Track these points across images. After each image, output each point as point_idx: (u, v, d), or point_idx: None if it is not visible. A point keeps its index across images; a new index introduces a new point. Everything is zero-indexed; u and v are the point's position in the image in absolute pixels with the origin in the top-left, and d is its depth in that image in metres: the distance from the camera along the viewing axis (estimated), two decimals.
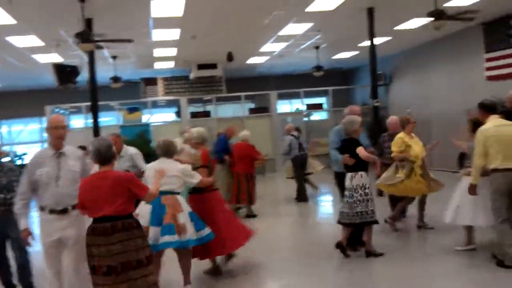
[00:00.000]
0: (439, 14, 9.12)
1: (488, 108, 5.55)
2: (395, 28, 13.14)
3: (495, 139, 5.28)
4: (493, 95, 11.77)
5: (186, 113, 18.34)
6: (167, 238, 4.87)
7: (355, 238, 6.37)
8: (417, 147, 6.98)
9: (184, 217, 5.03)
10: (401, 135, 7.07)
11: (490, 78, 12.97)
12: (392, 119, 7.96)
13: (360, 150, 6.01)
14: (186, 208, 5.15)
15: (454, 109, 13.22)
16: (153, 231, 4.88)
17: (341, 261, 6.15)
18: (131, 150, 6.62)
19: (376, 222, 6.13)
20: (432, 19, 9.27)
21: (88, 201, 4.00)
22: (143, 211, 4.92)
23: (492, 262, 5.48)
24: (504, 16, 12.17)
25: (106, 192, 3.90)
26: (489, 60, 12.98)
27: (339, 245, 6.14)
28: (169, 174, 4.94)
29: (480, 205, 5.72)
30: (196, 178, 5.28)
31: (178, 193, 5.18)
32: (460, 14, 9.44)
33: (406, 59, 17.32)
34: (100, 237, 3.86)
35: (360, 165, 6.06)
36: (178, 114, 19.23)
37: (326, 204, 11.35)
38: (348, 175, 6.08)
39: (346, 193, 6.09)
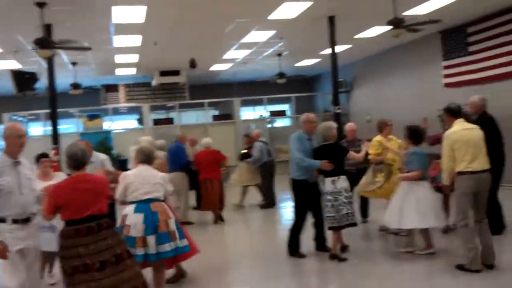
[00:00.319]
0: (398, 23, 9.33)
1: (453, 112, 5.69)
2: (356, 36, 13.38)
3: (461, 142, 5.40)
4: (451, 101, 12.25)
5: (149, 120, 18.16)
6: (167, 247, 4.83)
7: (320, 242, 6.50)
8: (393, 151, 7.00)
9: (173, 224, 4.99)
10: (378, 138, 7.13)
11: (448, 85, 13.35)
12: (349, 125, 8.05)
13: (352, 154, 6.48)
14: (172, 215, 5.10)
15: (413, 115, 13.49)
16: (151, 240, 4.77)
17: (307, 266, 6.20)
18: (101, 156, 6.78)
19: (357, 224, 6.43)
20: (391, 27, 9.48)
21: (69, 203, 4.11)
22: (133, 222, 4.81)
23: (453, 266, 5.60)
24: (461, 25, 12.55)
25: (90, 194, 4.13)
26: (446, 67, 13.36)
27: (333, 256, 6.27)
28: (154, 182, 4.94)
29: (423, 208, 5.98)
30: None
31: (163, 201, 5.10)
32: (419, 24, 9.69)
33: (367, 67, 17.66)
34: (87, 236, 4.02)
35: (341, 169, 6.31)
36: (140, 121, 19.00)
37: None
38: (329, 179, 6.26)
39: (329, 197, 6.23)
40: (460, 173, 5.41)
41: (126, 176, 5.01)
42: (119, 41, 11.96)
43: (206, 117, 18.91)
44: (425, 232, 6.26)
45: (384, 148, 6.97)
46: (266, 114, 19.55)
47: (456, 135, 5.47)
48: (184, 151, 9.85)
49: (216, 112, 20.46)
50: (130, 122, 20.19)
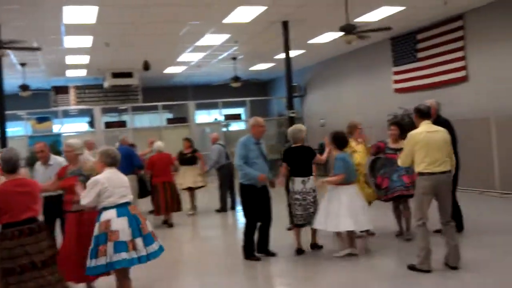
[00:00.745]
0: (350, 29, 9.52)
1: (422, 113, 5.72)
2: (309, 41, 13.57)
3: (423, 144, 5.47)
4: (400, 106, 12.61)
5: (100, 123, 17.76)
6: (155, 246, 4.78)
7: (263, 245, 6.58)
8: (360, 154, 7.07)
9: (149, 225, 4.93)
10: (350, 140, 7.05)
11: (398, 90, 13.73)
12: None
13: (318, 157, 6.73)
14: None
15: (365, 120, 13.84)
16: (139, 243, 4.66)
17: (256, 270, 6.21)
18: (59, 159, 6.59)
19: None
20: (343, 33, 9.66)
21: (8, 206, 4.25)
22: (121, 227, 4.63)
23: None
24: (410, 32, 12.94)
25: (28, 197, 4.38)
26: (396, 73, 13.74)
27: (299, 251, 6.64)
28: (126, 185, 4.89)
29: (345, 212, 6.20)
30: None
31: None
32: (371, 31, 9.91)
33: (320, 72, 17.94)
34: (31, 236, 4.28)
35: (310, 170, 6.58)
36: (91, 124, 18.57)
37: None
38: (299, 179, 6.49)
39: (298, 196, 6.46)
40: (420, 173, 5.52)
41: (98, 181, 4.76)
42: (70, 41, 11.67)
43: (160, 120, 18.69)
44: (349, 233, 6.43)
45: (352, 151, 6.99)
46: (221, 117, 19.51)
47: (419, 136, 5.54)
48: (136, 153, 9.77)
49: (171, 116, 20.27)
50: (81, 125, 19.70)
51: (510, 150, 10.17)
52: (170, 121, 18.92)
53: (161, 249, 4.88)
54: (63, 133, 17.43)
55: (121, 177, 4.94)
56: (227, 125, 19.81)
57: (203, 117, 21.05)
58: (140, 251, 4.62)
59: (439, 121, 6.55)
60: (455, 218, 5.92)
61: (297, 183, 6.49)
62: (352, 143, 7.11)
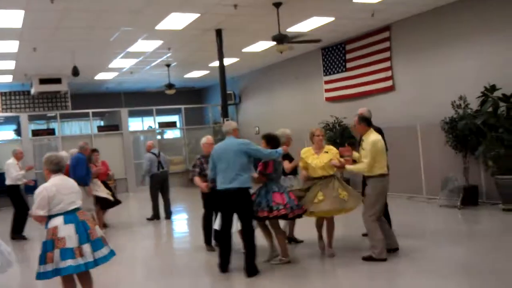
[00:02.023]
0: (281, 39, 9.69)
1: (369, 122, 6.30)
2: (243, 50, 13.68)
3: (382, 150, 6.15)
4: (331, 114, 12.96)
5: (27, 130, 17.00)
6: (104, 251, 4.82)
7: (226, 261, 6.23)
8: (319, 161, 6.48)
9: (100, 230, 5.00)
10: (305, 149, 6.74)
11: (328, 99, 14.11)
12: (207, 139, 7.57)
13: (285, 164, 6.74)
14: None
15: (297, 127, 14.12)
16: (87, 249, 4.69)
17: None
18: None
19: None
20: (275, 43, 9.83)
21: None
22: (67, 233, 4.65)
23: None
24: (340, 42, 13.35)
25: None
26: (327, 82, 14.11)
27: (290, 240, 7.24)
28: (75, 191, 4.88)
29: None
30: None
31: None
32: (302, 42, 10.15)
33: (254, 80, 18.13)
34: None
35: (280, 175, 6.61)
36: (17, 132, 17.75)
37: (180, 223, 11.29)
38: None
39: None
40: (381, 175, 6.13)
41: (46, 189, 4.72)
42: None
43: (90, 128, 18.15)
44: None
45: (305, 161, 6.61)
46: (155, 125, 19.22)
47: (380, 142, 6.17)
48: (87, 164, 9.15)
49: (101, 123, 19.75)
50: (7, 133, 18.80)
51: (434, 157, 10.68)
52: (101, 128, 18.41)
53: (112, 253, 4.91)
54: None
55: (69, 182, 4.91)
56: (162, 133, 19.55)
57: (136, 124, 20.67)
58: (87, 257, 4.65)
59: (373, 129, 6.85)
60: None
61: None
62: (311, 151, 6.65)
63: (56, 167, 4.89)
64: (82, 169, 8.82)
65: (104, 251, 4.81)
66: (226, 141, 6.19)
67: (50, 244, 4.61)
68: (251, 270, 5.93)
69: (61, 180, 4.86)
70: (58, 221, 4.67)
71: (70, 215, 4.72)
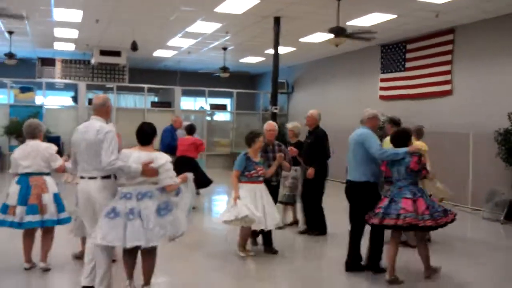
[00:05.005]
0: (338, 31, 9.53)
1: (395, 123, 6.79)
2: (300, 39, 13.56)
3: None
4: (383, 113, 12.64)
5: (84, 99, 17.58)
6: (30, 218, 5.22)
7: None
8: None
9: (48, 198, 5.33)
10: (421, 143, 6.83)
11: (382, 97, 13.80)
12: (269, 124, 7.24)
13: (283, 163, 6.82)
14: (53, 189, 5.43)
15: (347, 123, 13.92)
16: (19, 210, 5.22)
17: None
18: None
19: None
20: (332, 35, 9.67)
21: None
22: (11, 191, 5.30)
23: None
24: (401, 41, 13.00)
25: None
26: (383, 80, 13.80)
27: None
28: (36, 156, 5.33)
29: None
30: (59, 161, 5.46)
31: (47, 174, 5.44)
32: (359, 34, 9.94)
33: (309, 71, 17.95)
34: None
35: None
36: (75, 99, 18.38)
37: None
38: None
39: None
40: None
41: (13, 152, 5.46)
42: (59, 14, 11.51)
43: (144, 102, 18.55)
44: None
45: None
46: (206, 106, 19.44)
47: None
48: (172, 135, 10.60)
49: (156, 99, 20.15)
50: (64, 99, 19.50)
51: (483, 167, 10.29)
52: (154, 104, 18.80)
53: (42, 222, 5.26)
54: (46, 105, 17.21)
55: (34, 149, 5.34)
56: (212, 114, 19.75)
57: (188, 104, 20.96)
58: (16, 218, 5.19)
59: (318, 130, 7.60)
60: (321, 221, 7.55)
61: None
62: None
63: (28, 134, 5.45)
64: (166, 137, 10.51)
65: (30, 218, 5.18)
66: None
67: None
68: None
69: (26, 145, 5.39)
70: (14, 179, 5.39)
71: (22, 178, 5.31)
